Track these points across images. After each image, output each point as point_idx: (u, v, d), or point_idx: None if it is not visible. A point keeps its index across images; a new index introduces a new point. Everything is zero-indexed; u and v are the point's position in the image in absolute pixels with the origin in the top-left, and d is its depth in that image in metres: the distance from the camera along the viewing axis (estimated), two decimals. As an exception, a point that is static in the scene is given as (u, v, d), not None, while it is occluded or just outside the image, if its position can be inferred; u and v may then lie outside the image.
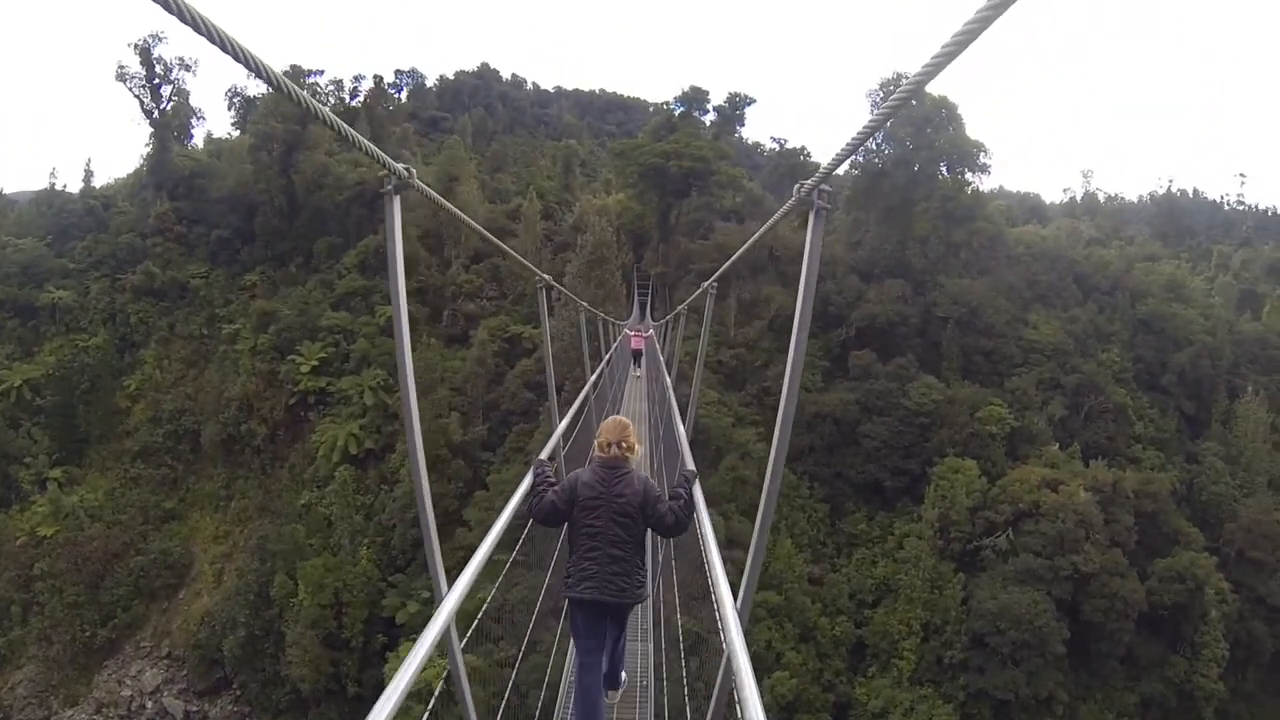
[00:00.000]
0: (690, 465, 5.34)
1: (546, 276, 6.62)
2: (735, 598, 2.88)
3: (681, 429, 6.80)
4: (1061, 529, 33.16)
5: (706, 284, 7.66)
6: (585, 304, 13.87)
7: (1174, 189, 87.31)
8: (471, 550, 3.06)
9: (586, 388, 9.44)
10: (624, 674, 5.54)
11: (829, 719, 31.62)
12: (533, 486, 4.76)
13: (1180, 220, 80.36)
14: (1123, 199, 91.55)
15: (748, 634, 2.14)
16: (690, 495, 4.58)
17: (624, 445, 4.72)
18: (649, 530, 4.68)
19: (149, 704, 39.29)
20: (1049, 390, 43.73)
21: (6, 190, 68.33)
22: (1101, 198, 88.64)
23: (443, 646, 3.14)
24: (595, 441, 4.86)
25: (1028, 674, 31.17)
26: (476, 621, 5.33)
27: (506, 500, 4.25)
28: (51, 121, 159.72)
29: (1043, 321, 47.41)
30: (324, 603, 35.01)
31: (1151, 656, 33.82)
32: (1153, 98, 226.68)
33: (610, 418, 5.16)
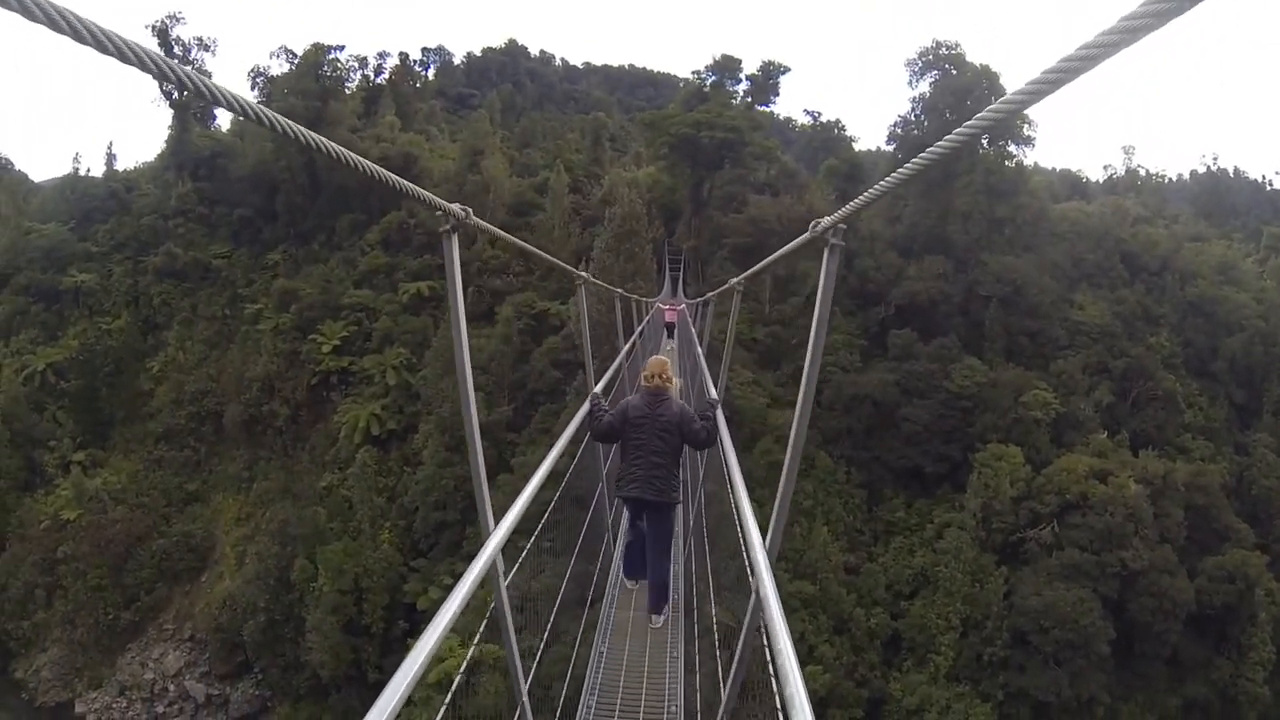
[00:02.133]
0: (714, 394, 6.38)
1: (584, 275, 6.79)
2: (765, 537, 2.94)
3: (710, 381, 7.35)
4: (1110, 523, 31.31)
5: (734, 281, 7.02)
6: (620, 290, 13.61)
7: (1216, 167, 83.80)
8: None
9: (620, 356, 10.06)
10: (668, 606, 6.73)
11: (863, 715, 30.30)
12: (590, 412, 6.05)
13: (1224, 199, 77.08)
14: (1165, 176, 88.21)
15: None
16: (715, 418, 5.72)
17: (664, 377, 6.09)
18: (684, 445, 6.03)
19: (171, 687, 39.23)
20: (1096, 375, 41.66)
21: (35, 178, 68.48)
22: (1143, 174, 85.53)
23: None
24: (641, 374, 6.35)
25: (1070, 675, 29.54)
26: (490, 610, 4.83)
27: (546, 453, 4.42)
28: (74, 107, 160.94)
29: (1089, 302, 45.25)
30: (344, 588, 34.39)
31: (1196, 658, 32.16)
32: (1195, 72, 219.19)
33: (653, 357, 6.78)
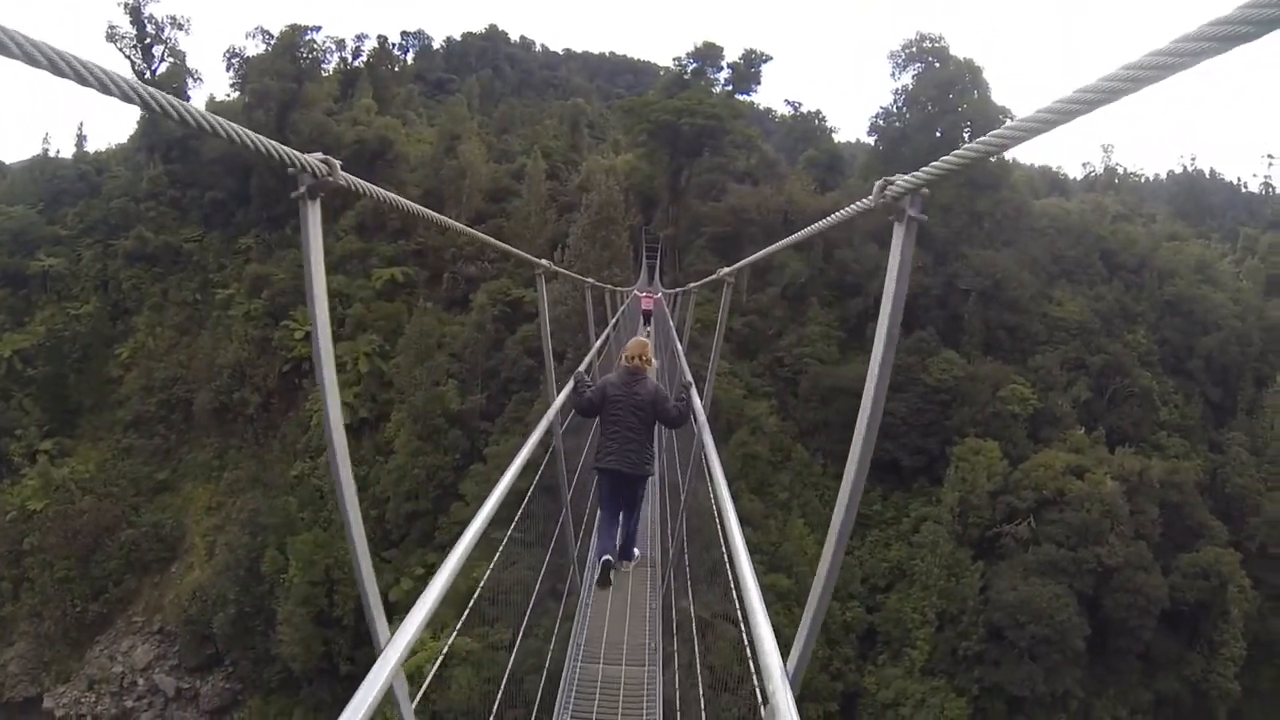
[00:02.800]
0: (688, 377, 6.77)
1: (545, 263, 6.19)
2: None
3: (686, 365, 7.87)
4: (1086, 519, 31.48)
5: (726, 271, 6.47)
6: (590, 280, 12.94)
7: (1193, 168, 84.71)
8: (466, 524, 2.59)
9: (595, 345, 9.91)
10: (636, 550, 7.50)
11: (837, 709, 30.28)
12: (574, 389, 6.37)
13: (1201, 200, 77.80)
14: (1143, 176, 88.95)
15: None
16: (689, 399, 6.12)
17: (643, 358, 6.57)
18: (657, 422, 6.49)
19: (140, 680, 38.59)
20: (1073, 371, 41.82)
21: (7, 160, 66.75)
22: (1121, 173, 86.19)
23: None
24: (621, 354, 6.80)
25: (1045, 670, 29.74)
26: (473, 601, 5.35)
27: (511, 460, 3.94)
28: (45, 88, 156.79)
29: (1068, 298, 45.40)
30: (315, 579, 33.88)
31: (1168, 653, 32.53)
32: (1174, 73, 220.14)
33: (633, 339, 7.04)
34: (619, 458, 6.40)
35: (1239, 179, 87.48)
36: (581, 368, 6.94)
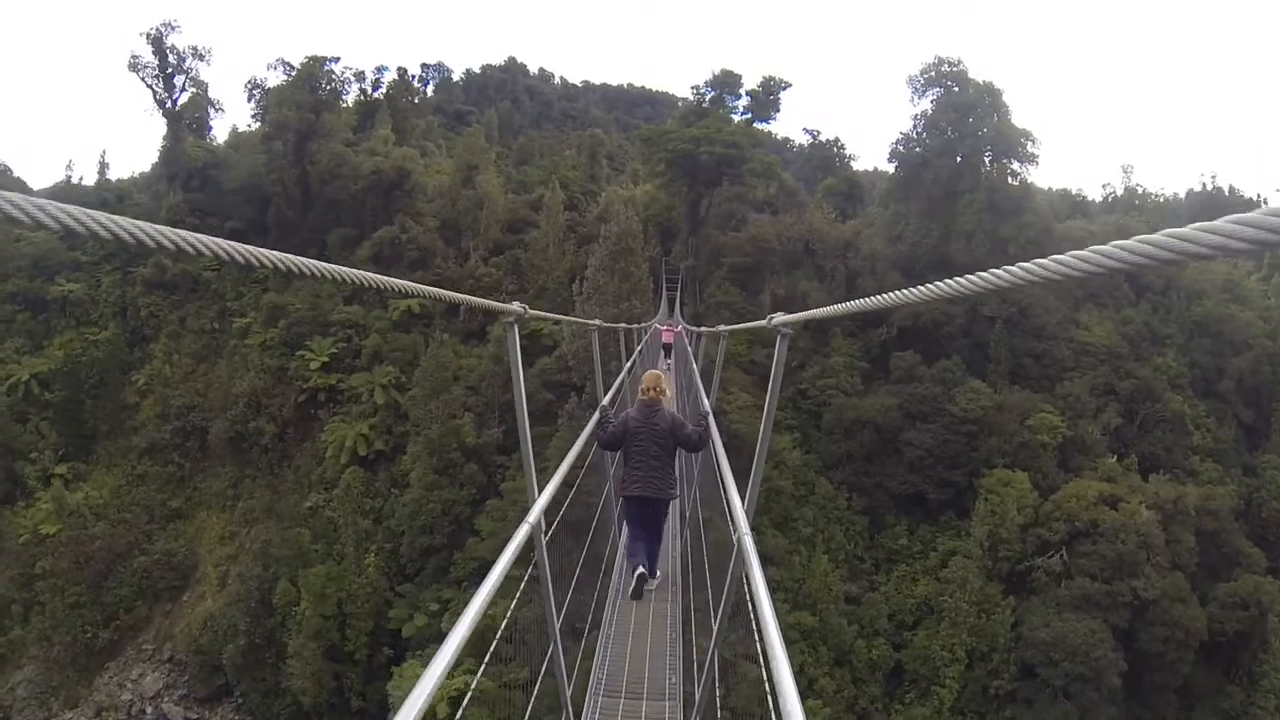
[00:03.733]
0: (706, 406, 7.49)
1: (517, 307, 4.25)
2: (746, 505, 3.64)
3: (704, 396, 8.37)
4: (1121, 550, 30.33)
5: (782, 321, 4.15)
6: (597, 320, 11.56)
7: (1213, 186, 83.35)
8: (486, 562, 2.46)
9: (614, 387, 10.03)
10: (659, 571, 7.65)
11: (863, 750, 29.22)
12: (599, 422, 6.93)
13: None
14: (1164, 195, 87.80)
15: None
16: (706, 425, 6.76)
17: (658, 390, 7.08)
18: (677, 449, 7.06)
19: (149, 709, 38.01)
20: (1103, 397, 40.76)
21: (34, 186, 67.79)
22: (1140, 193, 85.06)
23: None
24: (639, 388, 7.26)
25: (1081, 709, 28.45)
26: (497, 640, 5.20)
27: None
28: (69, 116, 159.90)
29: (1095, 322, 44.46)
30: (326, 613, 33.22)
31: (1206, 686, 31.26)
32: (1192, 90, 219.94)
33: (648, 371, 7.51)
34: (644, 484, 6.91)
35: (1259, 195, 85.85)
36: (604, 400, 7.58)
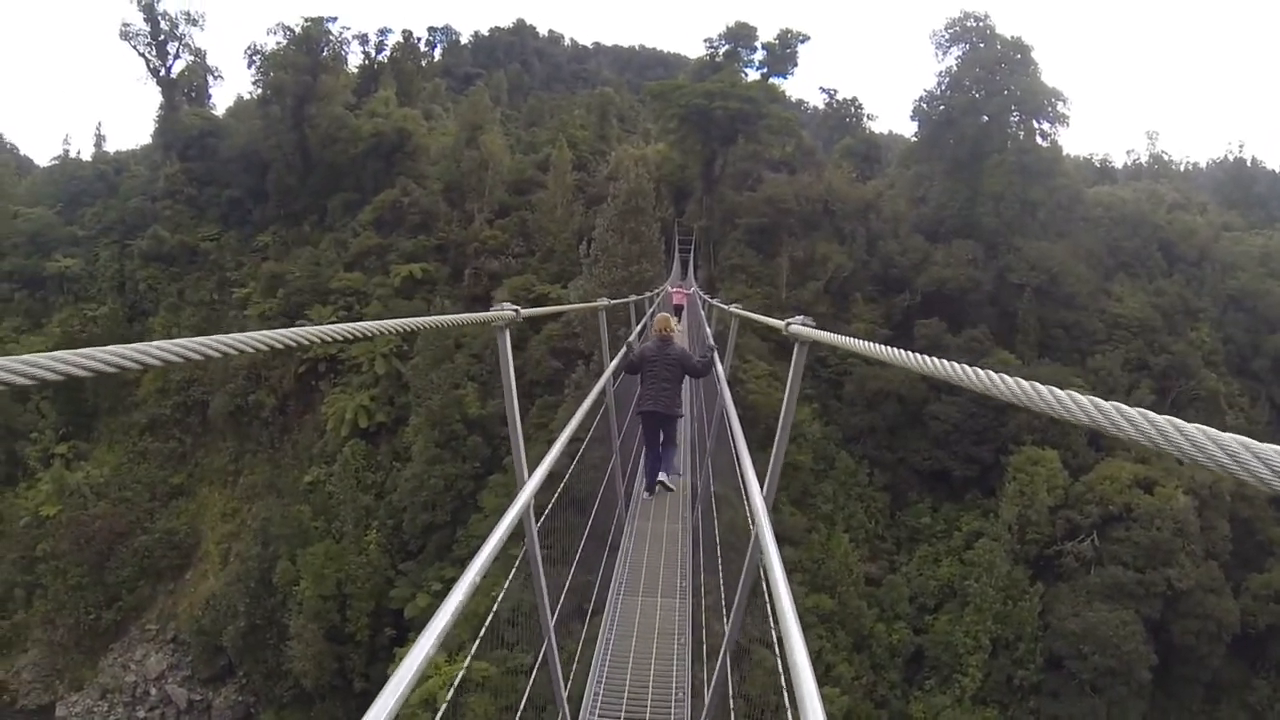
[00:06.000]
0: (710, 342, 9.23)
1: (509, 309, 3.89)
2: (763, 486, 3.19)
3: (710, 334, 10.25)
4: (1156, 537, 28.66)
5: (800, 327, 3.55)
6: (605, 299, 11.15)
7: (1240, 154, 79.92)
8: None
9: (635, 332, 10.78)
10: (676, 473, 9.29)
11: (881, 739, 27.97)
12: (624, 354, 8.30)
13: (1249, 189, 73.71)
14: (1190, 163, 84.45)
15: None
16: (710, 357, 8.31)
17: (669, 328, 8.81)
18: (685, 375, 8.72)
19: (153, 690, 37.55)
20: (1135, 372, 38.88)
21: (40, 163, 66.75)
22: (1164, 160, 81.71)
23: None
24: (654, 327, 9.15)
25: (1109, 703, 27.07)
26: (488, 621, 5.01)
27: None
28: (67, 88, 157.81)
29: (1128, 293, 42.44)
30: (326, 593, 32.26)
31: (1233, 678, 29.94)
32: (1215, 57, 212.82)
33: (660, 314, 9.44)
34: (655, 401, 8.40)
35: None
36: (631, 338, 9.27)
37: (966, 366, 1.53)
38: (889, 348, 2.00)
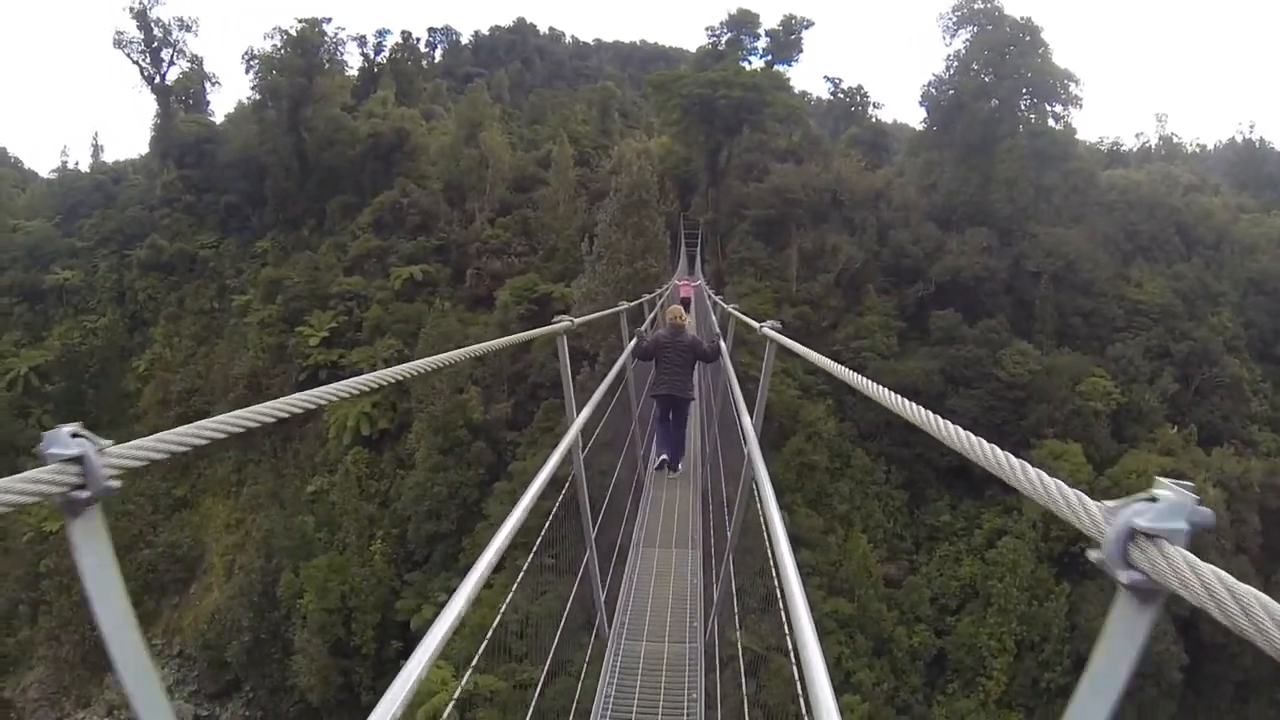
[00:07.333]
0: (717, 330, 10.69)
1: (567, 320, 4.82)
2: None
3: (716, 326, 11.52)
4: (1187, 534, 27.63)
5: (771, 330, 4.91)
6: (624, 303, 12.30)
7: (1251, 136, 78.39)
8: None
9: (647, 322, 12.19)
10: (681, 465, 9.95)
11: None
12: (638, 341, 8.88)
13: (1261, 170, 72.28)
14: (1200, 145, 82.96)
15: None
16: (718, 345, 8.83)
17: (680, 318, 9.47)
18: (696, 361, 9.35)
19: (160, 707, 37.00)
20: (1157, 360, 37.71)
21: (43, 174, 66.43)
22: (1175, 142, 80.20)
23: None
24: (666, 316, 10.02)
25: (1139, 705, 26.00)
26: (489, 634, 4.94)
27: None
28: (67, 99, 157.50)
29: (1147, 279, 41.23)
30: (330, 607, 31.55)
31: (1263, 676, 28.71)
32: (1224, 38, 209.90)
33: (672, 305, 11.06)
34: (669, 385, 9.04)
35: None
36: (642, 328, 10.11)
37: (913, 403, 1.61)
38: (843, 367, 2.22)
